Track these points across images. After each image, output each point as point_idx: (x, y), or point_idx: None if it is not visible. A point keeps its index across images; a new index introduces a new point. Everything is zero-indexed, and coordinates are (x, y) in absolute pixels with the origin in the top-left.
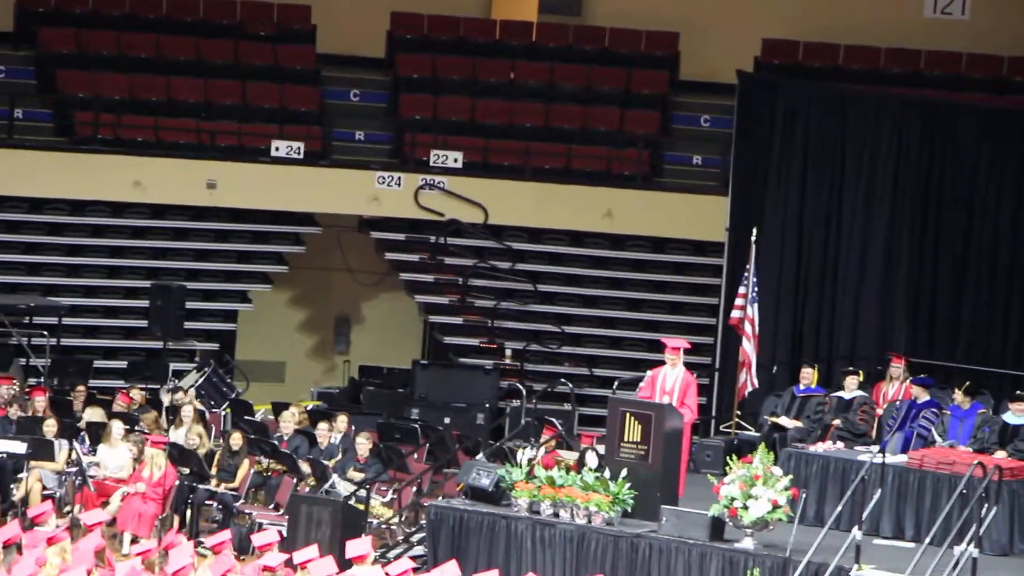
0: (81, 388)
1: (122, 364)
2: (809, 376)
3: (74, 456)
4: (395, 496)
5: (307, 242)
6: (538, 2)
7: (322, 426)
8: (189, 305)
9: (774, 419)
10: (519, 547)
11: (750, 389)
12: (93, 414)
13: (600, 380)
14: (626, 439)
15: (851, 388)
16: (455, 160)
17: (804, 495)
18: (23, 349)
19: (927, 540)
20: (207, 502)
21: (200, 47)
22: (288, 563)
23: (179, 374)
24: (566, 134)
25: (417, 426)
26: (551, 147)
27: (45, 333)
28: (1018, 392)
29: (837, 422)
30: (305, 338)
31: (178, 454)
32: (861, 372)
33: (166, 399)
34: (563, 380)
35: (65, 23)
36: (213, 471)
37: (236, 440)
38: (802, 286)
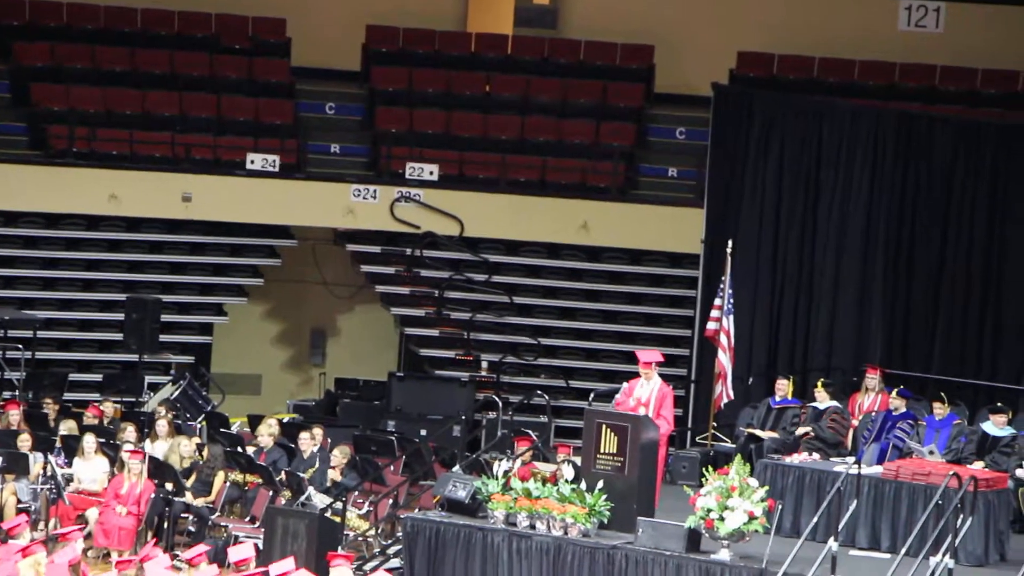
0: (49, 400)
1: (97, 377)
2: (784, 387)
3: (48, 470)
4: (371, 508)
5: (283, 255)
6: (513, 15)
7: (304, 436)
8: (164, 318)
9: (750, 430)
10: (495, 559)
11: (726, 400)
12: (69, 427)
13: (576, 392)
14: (602, 451)
15: (821, 398)
16: (431, 173)
17: (780, 506)
18: None
19: (903, 551)
20: (182, 515)
21: (175, 60)
22: None
23: (154, 387)
24: (542, 147)
25: (393, 438)
26: (527, 159)
27: (20, 346)
28: (999, 404)
29: (805, 429)
30: (281, 351)
31: (154, 468)
32: (819, 382)
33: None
34: (539, 392)
35: (39, 37)
36: (190, 484)
37: (205, 452)
38: (777, 297)
